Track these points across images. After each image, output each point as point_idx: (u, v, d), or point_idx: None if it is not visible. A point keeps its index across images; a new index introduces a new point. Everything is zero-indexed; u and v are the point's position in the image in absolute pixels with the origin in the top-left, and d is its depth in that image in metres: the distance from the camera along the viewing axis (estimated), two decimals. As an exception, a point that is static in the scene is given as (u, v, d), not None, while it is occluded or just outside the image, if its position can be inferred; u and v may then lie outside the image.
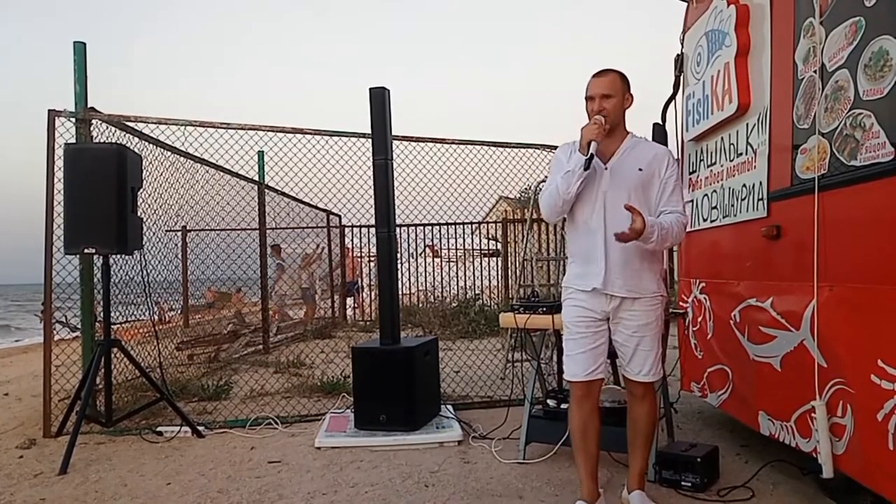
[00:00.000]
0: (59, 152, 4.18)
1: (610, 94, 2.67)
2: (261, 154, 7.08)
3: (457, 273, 12.20)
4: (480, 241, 12.28)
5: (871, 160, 2.38)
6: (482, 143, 5.54)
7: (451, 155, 5.48)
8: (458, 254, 12.30)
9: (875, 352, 2.32)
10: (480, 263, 12.21)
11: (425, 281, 12.07)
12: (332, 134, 5.12)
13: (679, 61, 4.24)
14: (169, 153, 5.29)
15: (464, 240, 11.69)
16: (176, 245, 7.11)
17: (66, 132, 4.37)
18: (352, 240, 11.61)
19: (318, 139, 5.13)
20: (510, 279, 10.09)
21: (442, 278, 12.14)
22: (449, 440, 3.92)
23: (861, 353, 2.40)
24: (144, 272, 4.48)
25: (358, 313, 12.70)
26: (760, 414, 3.15)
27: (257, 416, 4.61)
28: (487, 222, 10.54)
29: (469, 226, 10.63)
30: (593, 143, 2.59)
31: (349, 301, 12.60)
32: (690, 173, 4.09)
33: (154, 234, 5.13)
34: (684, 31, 4.19)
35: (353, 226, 10.92)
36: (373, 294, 11.61)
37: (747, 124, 3.37)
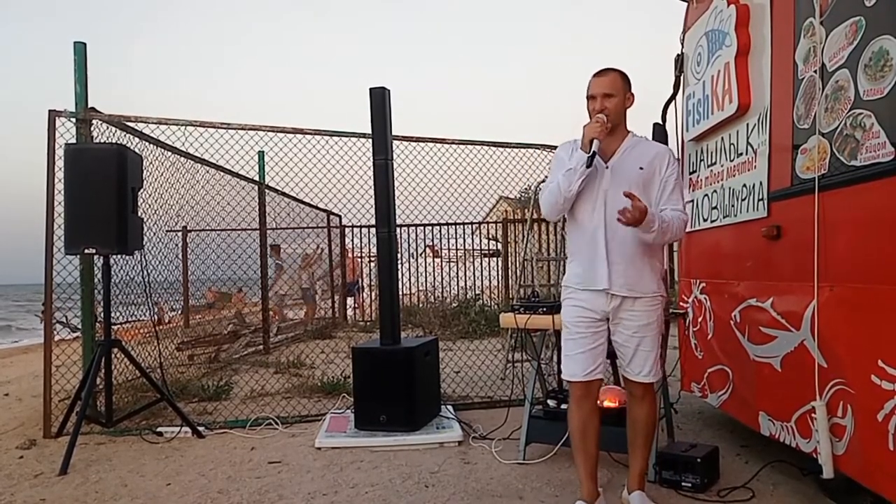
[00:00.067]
0: (60, 152, 4.18)
1: (611, 93, 2.67)
2: (261, 154, 7.08)
3: (457, 273, 12.20)
4: (480, 241, 12.28)
5: (871, 160, 2.38)
6: (482, 143, 5.54)
7: (451, 155, 5.49)
8: (458, 254, 12.30)
9: (875, 352, 2.32)
10: (480, 263, 12.21)
11: (425, 281, 12.07)
12: (332, 134, 5.12)
13: (679, 61, 4.24)
14: (169, 153, 5.29)
15: (464, 240, 11.70)
16: (176, 245, 7.11)
17: (67, 132, 4.37)
18: (352, 240, 11.62)
19: (318, 139, 5.13)
20: (510, 279, 10.08)
21: (442, 278, 12.14)
22: (449, 440, 3.92)
23: (861, 354, 2.40)
24: (145, 272, 4.48)
25: (358, 313, 12.71)
26: (761, 414, 3.15)
27: (257, 416, 4.61)
28: (487, 222, 10.54)
29: (469, 226, 10.64)
30: (595, 141, 2.59)
31: (349, 301, 12.60)
32: (690, 173, 4.09)
33: (154, 234, 5.13)
34: (684, 31, 4.19)
35: (353, 226, 10.94)
36: (373, 294, 11.61)
37: (747, 124, 3.36)
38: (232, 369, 6.72)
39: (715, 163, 3.78)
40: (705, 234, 3.89)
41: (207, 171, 6.14)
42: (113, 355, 4.12)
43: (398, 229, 4.62)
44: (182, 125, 4.78)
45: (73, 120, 4.38)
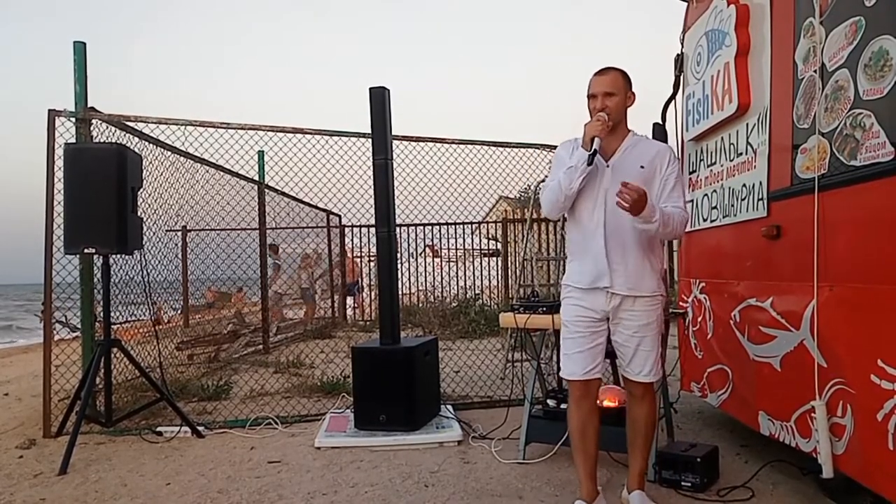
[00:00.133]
0: (59, 152, 4.18)
1: (612, 91, 2.67)
2: (261, 154, 7.08)
3: (457, 273, 12.20)
4: (480, 241, 12.28)
5: (871, 160, 2.38)
6: (482, 143, 5.54)
7: (451, 155, 5.48)
8: (458, 254, 12.30)
9: (875, 352, 2.32)
10: (480, 263, 12.21)
11: (425, 281, 12.07)
12: (332, 134, 5.12)
13: (679, 61, 4.24)
14: (169, 153, 5.29)
15: (464, 240, 11.70)
16: (176, 245, 7.11)
17: (66, 132, 4.37)
18: (351, 239, 11.61)
19: (318, 139, 5.13)
20: (510, 279, 10.09)
21: (442, 278, 12.14)
22: (449, 440, 3.92)
23: (861, 353, 2.40)
24: (144, 272, 4.48)
25: (358, 313, 12.70)
26: (760, 414, 3.15)
27: (257, 416, 4.61)
28: (487, 222, 10.54)
29: (469, 226, 10.64)
30: (596, 140, 2.59)
31: (349, 301, 12.60)
32: (690, 173, 4.09)
33: (154, 234, 5.13)
34: (684, 31, 4.19)
35: (353, 226, 10.93)
36: (373, 294, 11.61)
37: (747, 124, 3.36)
38: (231, 369, 6.72)
39: (715, 163, 3.78)
40: (705, 234, 3.89)
41: (207, 171, 6.14)
42: (112, 355, 4.12)
43: (398, 229, 4.62)
44: (182, 125, 4.78)
45: (73, 120, 4.38)
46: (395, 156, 4.53)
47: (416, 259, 11.96)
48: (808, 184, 2.71)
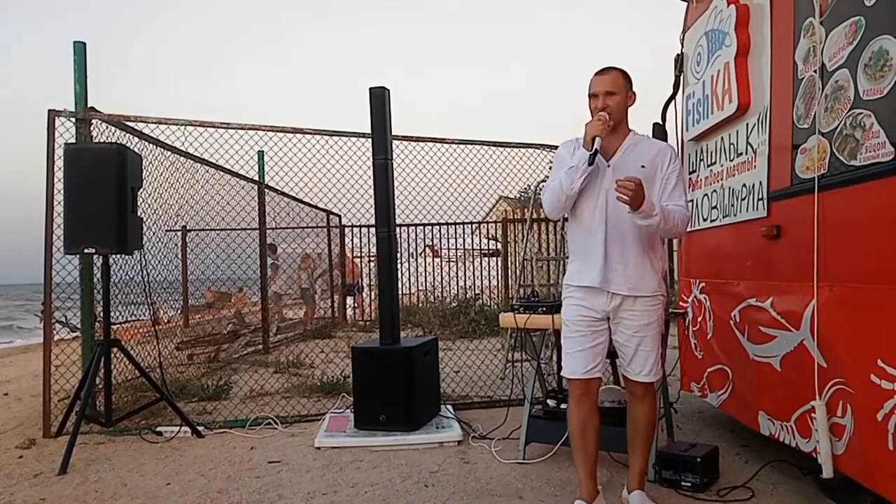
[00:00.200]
0: (59, 152, 4.18)
1: (613, 91, 2.67)
2: (261, 154, 7.08)
3: (457, 273, 12.20)
4: (480, 241, 12.28)
5: (871, 160, 2.38)
6: (482, 143, 5.54)
7: (451, 155, 5.48)
8: (458, 254, 12.30)
9: (875, 352, 2.31)
10: (480, 263, 12.21)
11: (425, 281, 12.07)
12: (332, 134, 5.12)
13: (679, 61, 4.24)
14: (169, 153, 5.29)
15: (464, 240, 11.70)
16: (176, 245, 7.11)
17: (66, 132, 4.37)
18: (352, 239, 11.61)
19: (318, 139, 5.13)
20: (510, 279, 10.09)
21: (442, 278, 12.14)
22: (449, 440, 3.92)
23: (861, 353, 2.40)
24: (144, 272, 4.48)
25: (358, 313, 12.70)
26: (760, 414, 3.15)
27: (257, 416, 4.61)
28: (487, 222, 10.54)
29: (469, 226, 10.64)
30: (597, 139, 2.59)
31: (349, 301, 12.60)
32: (690, 173, 4.09)
33: (154, 234, 5.13)
34: (684, 31, 4.19)
35: (353, 226, 10.93)
36: (373, 294, 11.61)
37: (747, 124, 3.36)
38: (231, 369, 6.72)
39: (715, 162, 3.78)
40: (705, 234, 3.89)
41: (207, 171, 6.14)
42: (112, 355, 4.12)
43: (398, 229, 4.62)
44: (182, 125, 4.78)
45: (73, 120, 4.38)
46: (395, 156, 4.53)
47: (416, 259, 11.97)
48: (808, 184, 2.71)
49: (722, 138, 3.67)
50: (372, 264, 11.87)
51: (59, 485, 3.38)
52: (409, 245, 11.12)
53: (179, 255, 7.56)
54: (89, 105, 4.42)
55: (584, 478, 2.74)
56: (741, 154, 3.43)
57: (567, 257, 2.85)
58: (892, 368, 2.24)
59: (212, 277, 7.18)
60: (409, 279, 11.74)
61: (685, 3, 4.22)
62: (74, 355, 4.49)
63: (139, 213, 4.24)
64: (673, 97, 4.29)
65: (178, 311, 8.06)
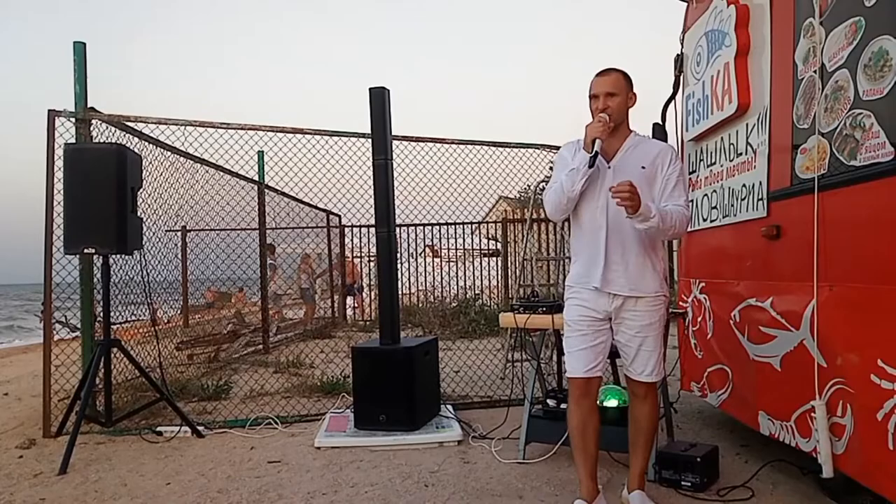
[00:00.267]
0: (59, 152, 4.18)
1: (614, 92, 2.68)
2: (261, 154, 7.08)
3: (457, 273, 12.20)
4: (480, 241, 12.28)
5: (870, 160, 2.38)
6: (482, 143, 5.54)
7: (451, 155, 5.48)
8: (458, 254, 12.30)
9: (875, 352, 2.32)
10: (480, 263, 12.22)
11: (425, 281, 12.08)
12: (332, 134, 5.12)
13: (679, 61, 4.24)
14: (169, 153, 5.29)
15: (464, 240, 11.70)
16: (176, 245, 7.11)
17: (66, 132, 4.37)
18: (351, 239, 11.61)
19: (318, 139, 5.13)
20: (510, 279, 10.09)
21: (442, 278, 12.14)
22: (449, 440, 3.92)
23: (861, 353, 2.40)
24: (144, 272, 4.48)
25: (358, 313, 12.71)
26: (760, 414, 3.15)
27: (257, 416, 4.61)
28: (487, 222, 10.54)
29: (469, 226, 10.64)
30: (597, 141, 2.59)
31: (349, 301, 12.61)
32: (690, 173, 4.09)
33: (154, 234, 5.13)
34: (684, 31, 4.19)
35: (353, 226, 10.93)
36: (373, 294, 11.62)
37: (747, 124, 3.37)
38: (231, 369, 6.72)
39: (714, 163, 3.78)
40: (705, 234, 3.89)
41: (207, 171, 6.14)
42: (112, 355, 4.12)
43: (398, 229, 4.62)
44: (182, 125, 4.78)
45: (73, 120, 4.38)
46: (395, 156, 4.53)
47: (416, 259, 11.97)
48: (807, 184, 2.71)
49: (722, 138, 3.67)
50: (372, 264, 11.87)
51: (59, 485, 3.38)
52: (409, 245, 11.13)
53: (179, 255, 7.57)
54: (89, 105, 4.42)
55: (585, 477, 2.74)
56: (741, 154, 3.43)
57: (567, 257, 2.85)
58: (892, 368, 2.24)
59: (212, 277, 7.18)
60: (409, 279, 11.75)
61: (685, 3, 4.22)
62: (74, 355, 4.48)
63: (139, 213, 4.24)
64: (673, 97, 4.29)
65: (178, 312, 8.06)
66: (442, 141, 5.42)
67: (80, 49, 4.41)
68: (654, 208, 2.53)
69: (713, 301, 3.74)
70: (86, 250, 3.92)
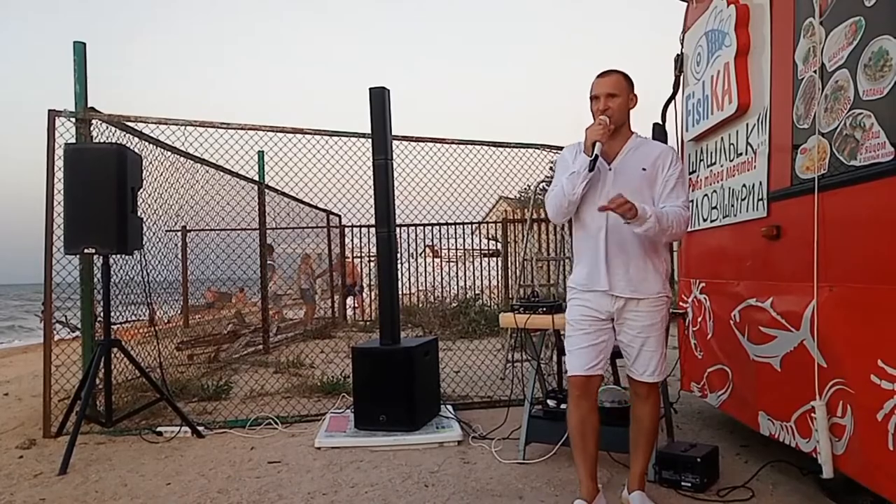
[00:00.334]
0: (59, 152, 4.18)
1: (615, 93, 2.68)
2: (261, 154, 7.08)
3: (457, 273, 12.20)
4: (480, 241, 12.29)
5: (870, 160, 2.38)
6: (482, 143, 5.54)
7: (451, 155, 5.48)
8: (458, 254, 12.30)
9: (875, 352, 2.32)
10: (480, 263, 12.22)
11: (425, 281, 12.08)
12: (332, 134, 5.12)
13: (679, 61, 4.24)
14: (169, 153, 5.29)
15: (464, 240, 11.70)
16: (176, 245, 7.11)
17: (66, 132, 4.37)
18: (351, 239, 11.61)
19: (318, 139, 5.13)
20: (510, 279, 10.09)
21: (442, 278, 12.15)
22: (449, 440, 3.92)
23: (861, 353, 2.40)
24: (144, 272, 4.48)
25: (358, 313, 12.71)
26: (760, 414, 3.15)
27: (257, 416, 4.61)
28: (487, 222, 10.54)
29: (469, 226, 10.64)
30: (598, 144, 2.59)
31: (349, 301, 12.61)
32: (690, 173, 4.09)
33: (154, 234, 5.13)
34: (684, 31, 4.19)
35: (353, 226, 10.94)
36: (373, 294, 11.62)
37: (747, 124, 3.36)
38: (231, 369, 6.72)
39: (714, 163, 3.78)
40: (705, 234, 3.89)
41: (207, 171, 6.14)
42: (112, 355, 4.12)
43: (398, 229, 4.62)
44: (182, 125, 4.78)
45: (73, 120, 4.38)
46: (395, 156, 4.53)
47: (416, 259, 11.97)
48: (808, 184, 2.71)
49: (722, 138, 3.67)
50: (372, 264, 11.87)
51: (59, 485, 3.38)
52: (409, 245, 11.13)
53: (179, 255, 7.57)
54: (89, 105, 4.42)
55: (584, 477, 2.74)
56: (741, 154, 3.43)
57: (567, 257, 2.85)
58: (892, 368, 2.24)
59: (211, 277, 7.18)
60: (409, 279, 11.75)
61: (685, 3, 4.22)
62: (74, 355, 4.49)
63: (139, 214, 4.24)
64: (673, 97, 4.29)
65: (179, 312, 8.06)
66: (442, 141, 5.42)
67: (80, 49, 4.41)
68: (651, 210, 2.53)
69: (713, 301, 3.74)
70: (86, 250, 3.92)
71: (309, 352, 6.79)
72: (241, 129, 4.95)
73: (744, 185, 3.36)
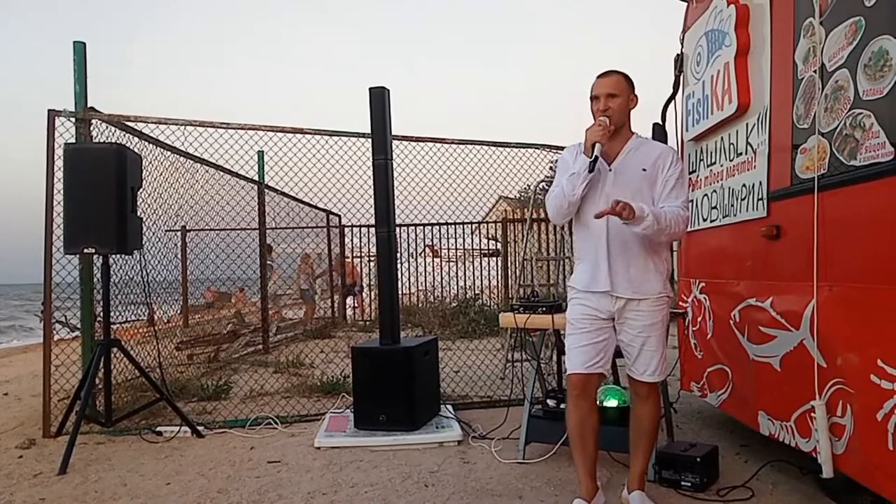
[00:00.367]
0: (59, 152, 4.18)
1: (615, 93, 2.68)
2: (261, 154, 7.08)
3: (457, 273, 12.20)
4: (480, 241, 12.29)
5: (870, 160, 2.38)
6: (482, 143, 5.54)
7: (451, 155, 5.48)
8: (458, 254, 12.30)
9: (875, 352, 2.32)
10: (480, 263, 12.22)
11: (425, 281, 12.08)
12: (332, 134, 5.12)
13: (679, 61, 4.24)
14: (169, 153, 5.29)
15: (464, 240, 11.70)
16: (176, 245, 7.11)
17: (66, 132, 4.37)
18: (351, 239, 11.61)
19: (317, 139, 5.13)
20: (510, 279, 10.09)
21: (442, 278, 12.15)
22: (449, 440, 3.92)
23: (861, 353, 2.40)
24: (144, 272, 4.48)
25: (358, 313, 12.71)
26: (760, 414, 3.15)
27: (257, 416, 4.61)
28: (487, 222, 10.54)
29: (469, 226, 10.64)
30: (597, 145, 2.60)
31: (349, 301, 12.61)
32: (690, 173, 4.09)
33: (154, 234, 5.13)
34: (684, 31, 4.19)
35: (353, 225, 10.94)
36: (373, 294, 11.62)
37: (747, 124, 3.37)
38: (231, 369, 6.72)
39: (714, 163, 3.78)
40: (705, 234, 3.89)
41: (207, 171, 6.14)
42: (112, 355, 4.12)
43: (398, 229, 4.62)
44: (181, 125, 4.78)
45: (73, 119, 4.38)
46: (395, 156, 4.53)
47: (416, 259, 11.97)
48: (807, 184, 2.71)
49: (722, 138, 3.67)
50: (372, 264, 11.88)
51: (59, 485, 3.38)
52: (409, 245, 11.14)
53: (179, 255, 7.57)
54: (89, 105, 4.42)
55: (583, 476, 2.74)
56: (741, 154, 3.43)
57: (567, 257, 2.86)
58: (892, 368, 2.24)
59: (211, 277, 7.18)
60: (409, 279, 11.75)
61: (685, 3, 4.22)
62: (74, 355, 4.48)
63: (139, 213, 4.24)
64: (673, 97, 4.29)
65: (178, 312, 8.06)
66: (442, 141, 5.42)
67: (79, 49, 4.41)
68: (648, 209, 2.53)
69: (713, 301, 3.74)
70: (86, 250, 3.92)
71: (309, 352, 6.79)
72: (241, 129, 4.95)
73: (744, 185, 3.36)
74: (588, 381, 2.71)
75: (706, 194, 3.86)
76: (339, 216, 10.64)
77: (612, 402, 3.43)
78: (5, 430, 4.51)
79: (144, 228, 4.38)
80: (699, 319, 3.91)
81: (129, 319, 4.82)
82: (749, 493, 2.99)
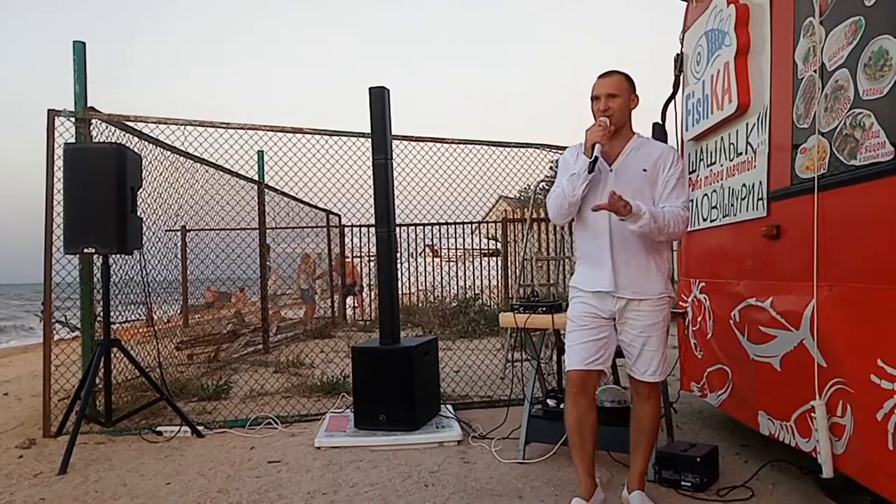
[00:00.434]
0: (59, 152, 4.18)
1: (615, 93, 2.68)
2: (261, 154, 7.08)
3: (457, 273, 12.20)
4: (480, 240, 12.28)
5: (870, 160, 2.38)
6: (482, 143, 5.54)
7: (451, 155, 5.48)
8: (458, 254, 12.30)
9: (875, 352, 2.32)
10: (480, 263, 12.21)
11: (425, 281, 12.08)
12: (332, 134, 5.12)
13: (679, 61, 4.24)
14: (169, 153, 5.29)
15: (464, 240, 11.70)
16: (176, 245, 7.11)
17: (66, 132, 4.37)
18: (351, 239, 11.61)
19: (317, 139, 5.13)
20: (510, 279, 10.09)
21: (442, 278, 12.14)
22: (449, 440, 3.92)
23: (861, 353, 2.40)
24: (144, 272, 4.48)
25: (358, 313, 12.71)
26: (760, 413, 3.15)
27: (257, 415, 4.61)
28: (487, 222, 10.54)
29: (469, 226, 10.64)
30: (597, 146, 2.60)
31: (349, 301, 12.61)
32: (690, 173, 4.09)
33: (154, 233, 5.13)
34: (684, 31, 4.19)
35: (353, 225, 10.93)
36: (373, 294, 11.62)
37: (747, 124, 3.36)
38: (231, 369, 6.72)
39: (714, 162, 3.78)
40: (705, 234, 3.89)
41: (207, 171, 6.14)
42: (112, 355, 4.12)
43: (398, 229, 4.62)
44: (181, 125, 4.78)
45: (73, 119, 4.38)
46: (394, 156, 4.53)
47: (416, 259, 11.97)
48: (807, 183, 2.71)
49: (722, 138, 3.67)
50: (372, 264, 11.87)
51: (59, 485, 3.38)
52: (409, 245, 11.13)
53: (179, 255, 7.56)
54: (89, 105, 4.42)
55: (582, 475, 2.74)
56: (741, 154, 3.43)
57: (567, 257, 2.86)
58: (892, 368, 2.24)
59: (211, 277, 7.18)
60: (409, 279, 11.75)
61: (685, 3, 4.22)
62: (74, 355, 4.48)
63: (139, 213, 4.24)
64: (673, 97, 4.29)
65: (178, 312, 8.06)
66: (442, 141, 5.42)
67: (79, 49, 4.41)
68: (645, 207, 2.53)
69: (713, 301, 3.74)
70: (86, 250, 3.92)
71: (309, 351, 6.79)
72: (241, 128, 4.95)
73: (744, 185, 3.36)
74: (587, 379, 2.71)
75: (706, 194, 3.86)
76: (339, 216, 10.64)
77: (611, 402, 3.43)
78: (5, 430, 4.51)
79: (144, 228, 4.38)
80: (699, 319, 3.91)
81: (129, 319, 4.82)
82: (749, 493, 2.99)
